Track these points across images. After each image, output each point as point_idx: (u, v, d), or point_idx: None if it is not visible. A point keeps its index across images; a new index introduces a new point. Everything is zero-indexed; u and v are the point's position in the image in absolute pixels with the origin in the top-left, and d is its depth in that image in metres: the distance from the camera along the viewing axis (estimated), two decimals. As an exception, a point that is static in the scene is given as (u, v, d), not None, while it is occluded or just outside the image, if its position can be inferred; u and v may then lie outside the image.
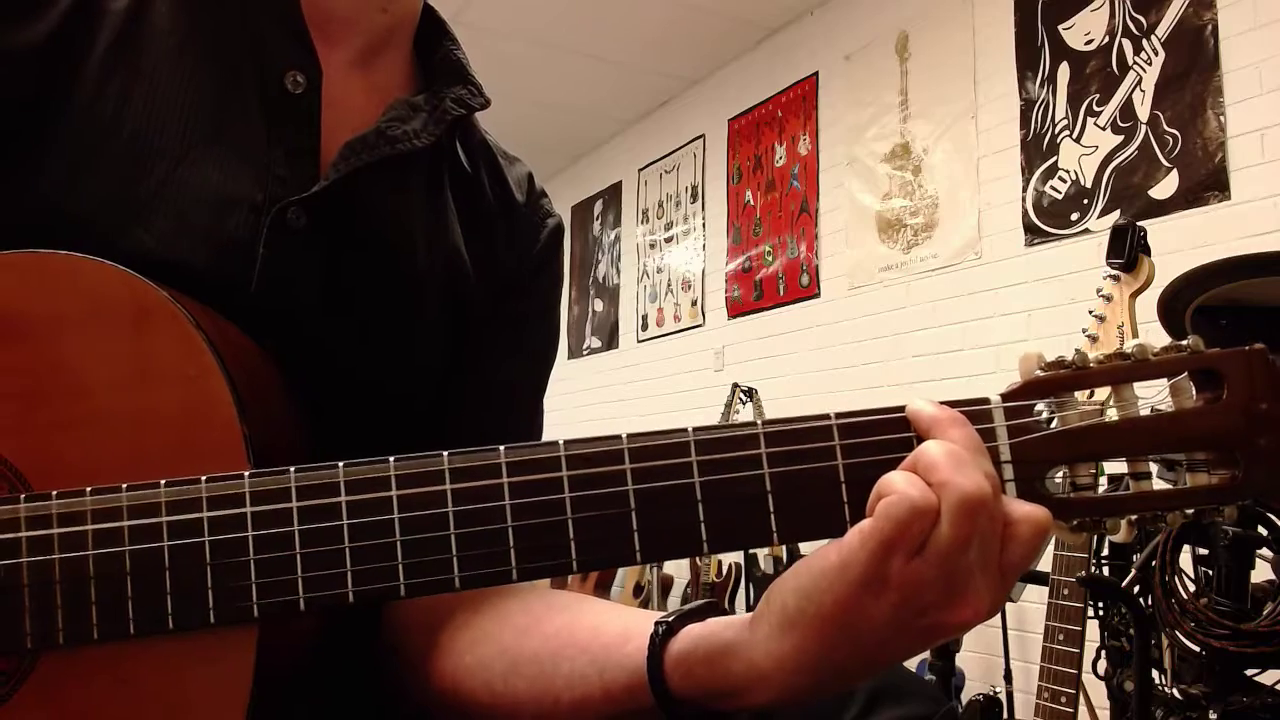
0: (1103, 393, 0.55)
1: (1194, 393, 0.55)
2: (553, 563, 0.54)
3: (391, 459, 0.56)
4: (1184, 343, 0.55)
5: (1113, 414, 0.54)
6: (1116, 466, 0.56)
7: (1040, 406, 0.55)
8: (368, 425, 0.72)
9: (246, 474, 0.56)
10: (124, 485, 0.56)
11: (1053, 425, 0.54)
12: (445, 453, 0.55)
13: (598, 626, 0.63)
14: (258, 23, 0.74)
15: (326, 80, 0.74)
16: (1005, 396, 0.55)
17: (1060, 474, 0.55)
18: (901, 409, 0.55)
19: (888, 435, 0.54)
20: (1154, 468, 0.55)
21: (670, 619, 0.58)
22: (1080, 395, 0.55)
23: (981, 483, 0.49)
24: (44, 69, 0.67)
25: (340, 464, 0.56)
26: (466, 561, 0.55)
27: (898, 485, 0.50)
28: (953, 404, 0.55)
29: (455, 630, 0.70)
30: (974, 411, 0.54)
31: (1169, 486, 0.55)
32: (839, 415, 0.55)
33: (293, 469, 0.56)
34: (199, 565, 0.55)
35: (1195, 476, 0.54)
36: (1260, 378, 0.53)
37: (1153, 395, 0.55)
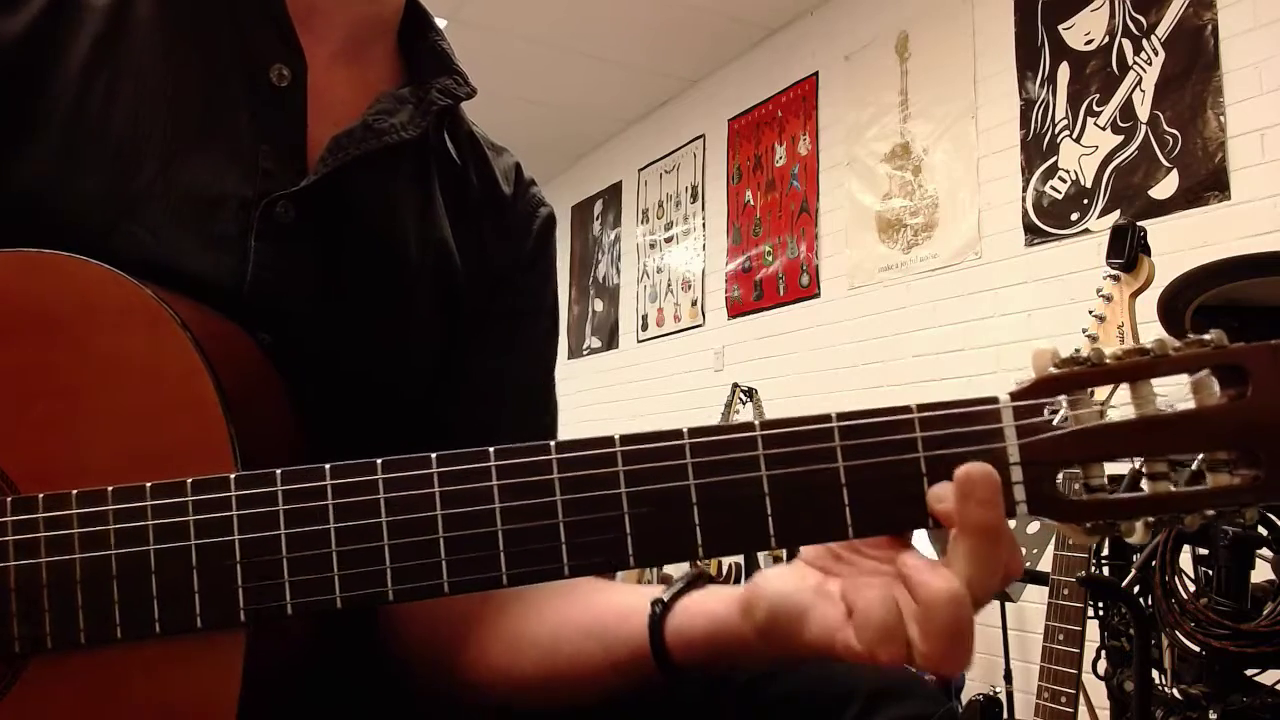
0: (1111, 392, 0.54)
1: (1217, 389, 0.52)
2: (544, 567, 0.53)
3: (379, 461, 0.55)
4: (1206, 337, 0.52)
5: (1129, 412, 0.52)
6: (1120, 466, 0.54)
7: (1052, 405, 0.52)
8: (363, 421, 0.72)
9: (233, 476, 0.55)
10: (109, 489, 0.55)
11: (1065, 424, 0.52)
12: (434, 455, 0.55)
13: (594, 608, 0.66)
14: (241, 16, 0.73)
15: (311, 73, 0.74)
16: (1014, 395, 0.53)
17: (1074, 475, 0.53)
18: (907, 409, 0.53)
19: (892, 436, 0.53)
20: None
21: (665, 598, 0.62)
22: (1095, 393, 0.53)
23: (962, 665, 0.50)
24: (22, 63, 0.67)
25: (327, 466, 0.55)
26: (455, 566, 0.54)
27: (869, 637, 0.51)
28: (960, 403, 0.53)
29: (458, 620, 0.71)
30: (982, 411, 0.53)
31: (1188, 488, 0.52)
32: (840, 416, 0.53)
33: (279, 471, 0.55)
34: (185, 569, 0.54)
35: (1217, 477, 0.51)
36: None
37: (1172, 392, 0.52)
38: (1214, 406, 0.51)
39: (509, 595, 0.70)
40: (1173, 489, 0.52)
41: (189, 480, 0.55)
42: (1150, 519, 0.52)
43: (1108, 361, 0.52)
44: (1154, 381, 0.52)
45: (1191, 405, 0.52)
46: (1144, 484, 0.53)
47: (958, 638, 0.49)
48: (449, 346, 0.80)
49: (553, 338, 0.89)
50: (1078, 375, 0.52)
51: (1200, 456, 0.52)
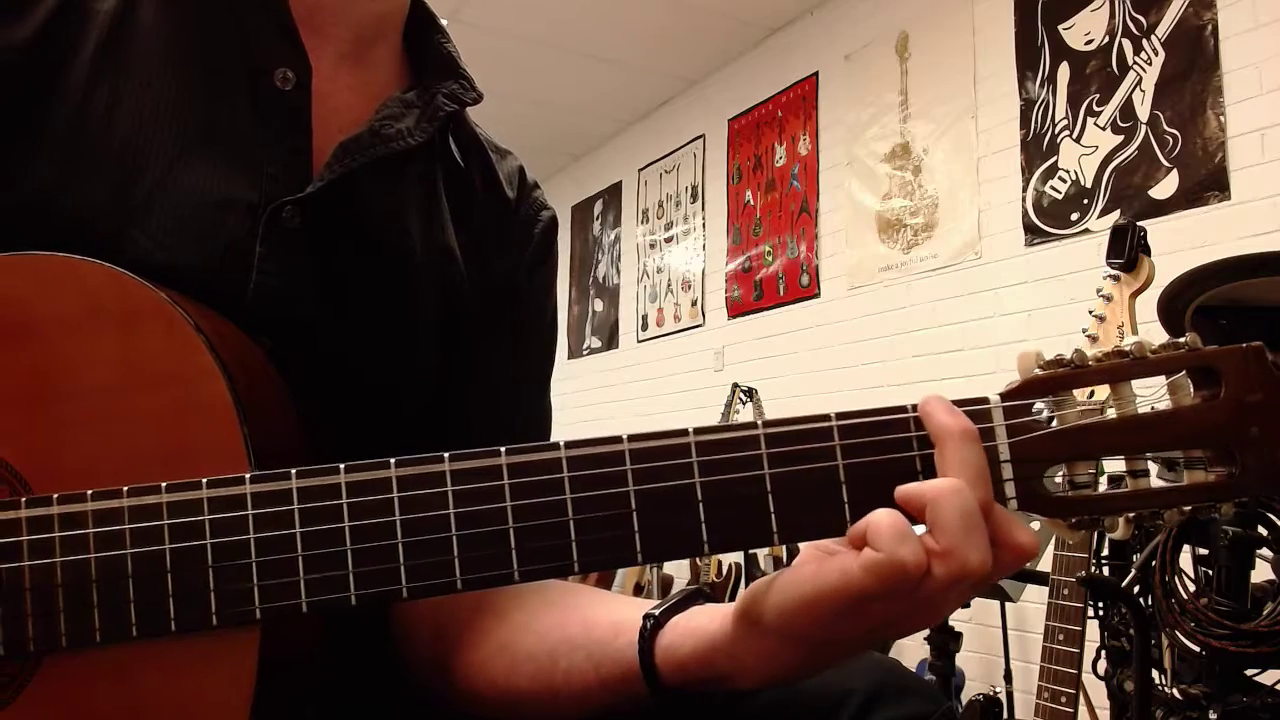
0: (1101, 391, 0.56)
1: (1192, 390, 0.54)
2: (554, 564, 0.54)
3: (392, 461, 0.55)
4: (1181, 340, 0.55)
5: (1111, 412, 0.54)
6: (1115, 465, 0.56)
7: (1039, 405, 0.55)
8: (369, 425, 0.72)
9: (248, 476, 0.56)
10: (124, 488, 0.56)
11: (1052, 424, 0.54)
12: (446, 454, 0.55)
13: (588, 621, 0.66)
14: (245, 19, 0.73)
15: (316, 76, 0.74)
16: (1004, 396, 0.55)
17: (1059, 472, 0.55)
18: (903, 409, 0.55)
19: (888, 435, 0.54)
20: (1153, 467, 0.56)
21: (657, 613, 0.61)
22: (1079, 394, 0.55)
23: (986, 559, 0.50)
24: (30, 69, 0.67)
25: (341, 466, 0.55)
26: (468, 563, 0.54)
27: (885, 542, 0.50)
28: (954, 403, 0.55)
29: (461, 627, 0.71)
30: (973, 411, 0.54)
31: (1166, 484, 0.55)
32: (839, 415, 0.55)
33: (294, 471, 0.55)
34: (201, 568, 0.55)
35: (1193, 474, 0.54)
36: (1256, 373, 0.53)
37: (1151, 393, 0.55)
38: (1189, 407, 0.54)
39: (509, 603, 0.70)
40: (1152, 486, 0.54)
41: (204, 480, 0.56)
42: (1131, 514, 0.55)
43: (1089, 364, 0.55)
44: (1136, 383, 0.55)
45: (1168, 406, 0.54)
46: (1126, 481, 0.55)
47: (969, 524, 0.50)
48: (451, 350, 0.80)
49: (551, 342, 0.90)
50: (1061, 377, 0.55)
51: (1178, 455, 0.54)
